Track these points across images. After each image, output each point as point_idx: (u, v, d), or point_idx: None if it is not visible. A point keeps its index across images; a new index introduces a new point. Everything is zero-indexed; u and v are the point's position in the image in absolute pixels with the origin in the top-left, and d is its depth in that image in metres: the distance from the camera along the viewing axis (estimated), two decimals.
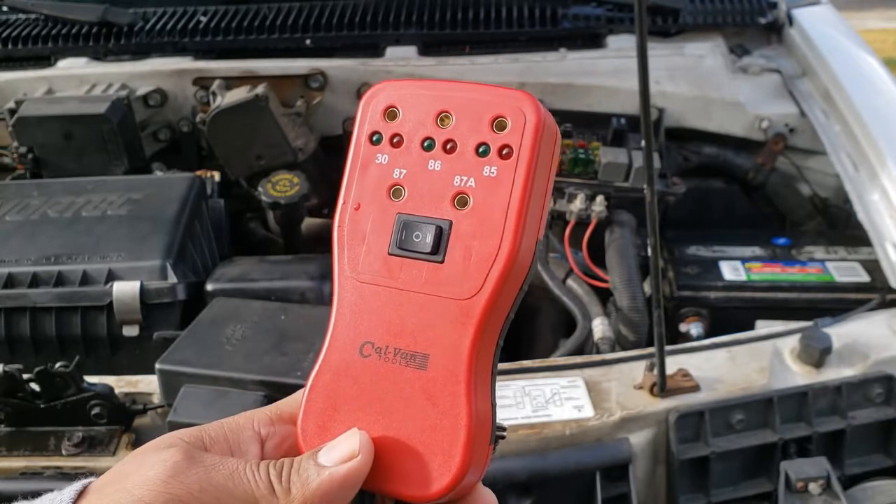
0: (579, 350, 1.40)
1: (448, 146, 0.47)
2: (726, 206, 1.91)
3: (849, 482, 1.16)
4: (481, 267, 0.46)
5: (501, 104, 0.47)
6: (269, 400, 1.06)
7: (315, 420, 0.49)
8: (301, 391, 0.50)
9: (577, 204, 1.54)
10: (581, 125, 1.76)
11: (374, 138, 0.49)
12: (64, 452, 1.10)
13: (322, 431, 0.48)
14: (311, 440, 0.48)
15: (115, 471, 0.47)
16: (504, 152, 0.46)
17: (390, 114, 0.49)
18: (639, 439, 1.14)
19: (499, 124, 0.46)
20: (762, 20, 1.99)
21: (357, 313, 0.48)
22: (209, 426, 0.49)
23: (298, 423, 0.49)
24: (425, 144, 0.48)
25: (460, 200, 0.47)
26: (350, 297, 0.49)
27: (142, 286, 1.30)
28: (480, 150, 0.47)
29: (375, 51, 1.95)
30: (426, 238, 0.47)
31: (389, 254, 0.48)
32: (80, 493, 0.46)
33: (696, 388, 1.16)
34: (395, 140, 0.48)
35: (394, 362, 0.47)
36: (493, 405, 0.48)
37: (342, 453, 0.46)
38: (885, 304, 1.38)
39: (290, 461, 0.46)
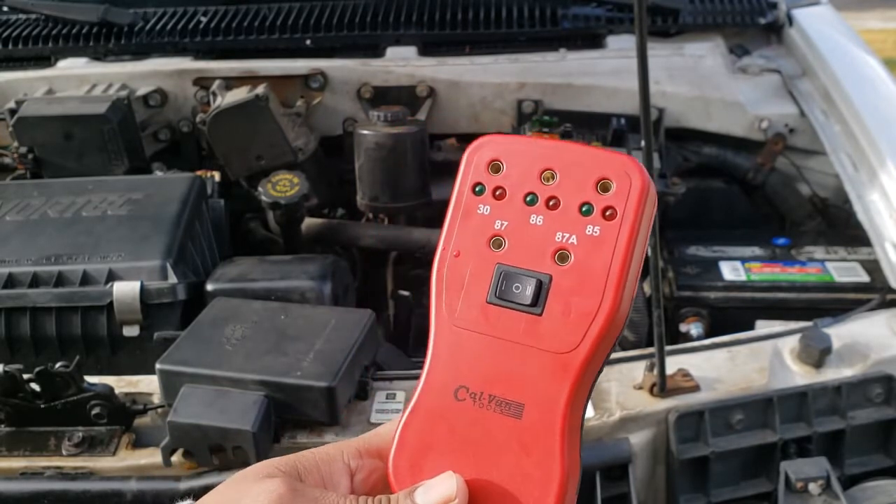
0: None
1: (551, 203, 0.48)
2: (726, 206, 1.91)
3: (849, 482, 1.16)
4: (581, 323, 0.46)
5: (607, 166, 0.47)
6: (270, 400, 1.06)
7: (407, 458, 0.49)
8: (390, 425, 0.51)
9: None
10: (581, 125, 1.76)
11: (477, 189, 0.50)
12: (64, 452, 1.10)
13: (414, 470, 0.49)
14: (402, 478, 0.49)
15: (217, 496, 0.48)
16: (608, 213, 0.47)
17: (494, 167, 0.50)
18: (639, 439, 1.14)
19: (603, 186, 0.47)
20: (762, 20, 1.98)
21: (453, 357, 0.49)
22: (302, 456, 0.50)
23: (390, 460, 0.50)
24: (528, 199, 0.48)
25: (561, 256, 0.47)
26: (447, 341, 0.49)
27: (142, 286, 1.30)
28: (584, 209, 0.47)
29: (375, 51, 1.95)
30: (526, 290, 0.47)
31: (488, 302, 0.48)
32: None
33: (695, 388, 1.16)
34: (497, 192, 0.49)
35: (488, 408, 0.48)
36: (581, 454, 0.49)
37: (439, 495, 0.47)
38: (884, 304, 1.38)
39: (388, 499, 0.47)
